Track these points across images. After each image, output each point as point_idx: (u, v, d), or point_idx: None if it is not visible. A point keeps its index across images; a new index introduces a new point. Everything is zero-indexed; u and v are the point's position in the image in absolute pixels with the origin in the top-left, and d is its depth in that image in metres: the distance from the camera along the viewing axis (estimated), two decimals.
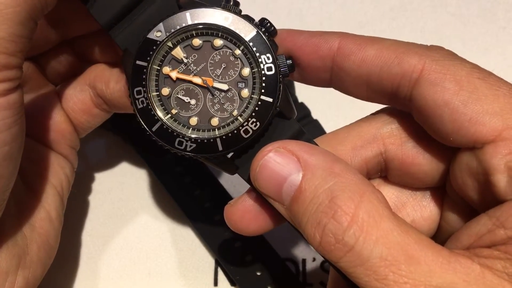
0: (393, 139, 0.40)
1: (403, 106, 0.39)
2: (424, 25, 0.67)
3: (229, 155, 0.39)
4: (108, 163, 0.58)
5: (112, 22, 0.39)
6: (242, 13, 0.39)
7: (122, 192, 0.57)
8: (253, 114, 0.37)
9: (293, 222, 0.34)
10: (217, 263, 0.54)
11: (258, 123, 0.37)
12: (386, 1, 0.69)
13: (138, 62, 0.37)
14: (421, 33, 0.66)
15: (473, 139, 0.34)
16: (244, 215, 0.39)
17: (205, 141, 0.37)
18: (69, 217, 0.54)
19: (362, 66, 0.38)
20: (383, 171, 0.42)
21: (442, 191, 0.41)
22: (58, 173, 0.46)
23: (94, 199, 0.57)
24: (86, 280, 0.53)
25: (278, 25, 0.64)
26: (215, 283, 0.53)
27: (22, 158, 0.38)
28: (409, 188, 0.42)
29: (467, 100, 0.34)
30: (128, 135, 0.58)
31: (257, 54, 0.38)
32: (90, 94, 0.45)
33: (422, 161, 0.39)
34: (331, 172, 0.33)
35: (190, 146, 0.38)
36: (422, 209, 0.42)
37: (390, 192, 0.43)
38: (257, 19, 0.39)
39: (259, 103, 0.37)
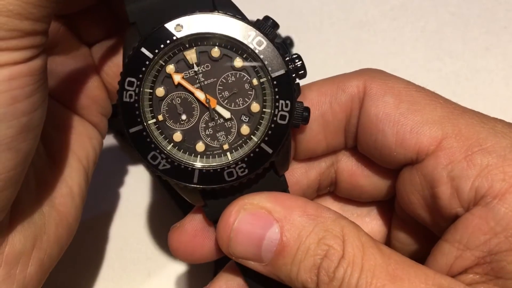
0: (346, 153, 0.40)
1: (353, 140, 0.38)
2: (425, 25, 0.67)
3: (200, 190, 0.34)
4: (108, 164, 0.58)
5: None
6: (277, 40, 0.34)
7: (122, 192, 0.57)
8: (245, 158, 0.33)
9: (276, 276, 0.33)
10: (216, 264, 0.53)
11: (246, 170, 0.33)
12: (387, 1, 0.69)
13: (143, 49, 0.32)
14: (421, 32, 0.66)
15: (415, 150, 0.34)
16: (193, 238, 0.37)
17: (182, 166, 0.33)
18: None
19: (311, 110, 0.36)
20: (332, 184, 0.42)
21: (390, 208, 0.41)
22: (86, 144, 0.42)
23: (93, 199, 0.57)
24: (86, 280, 0.53)
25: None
26: None
27: (48, 125, 0.34)
28: (354, 203, 0.42)
29: (407, 112, 0.34)
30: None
31: (277, 97, 0.33)
32: None
33: (370, 174, 0.39)
34: (308, 216, 0.32)
35: (164, 165, 0.33)
36: (364, 224, 0.42)
37: (333, 208, 0.43)
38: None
39: (257, 149, 0.33)
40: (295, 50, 0.64)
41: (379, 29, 0.66)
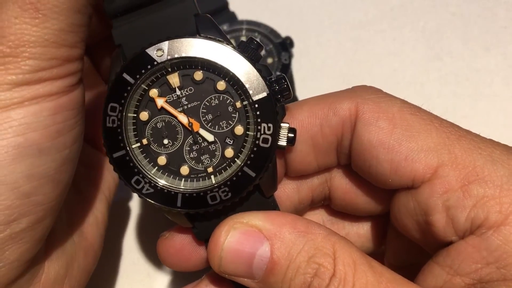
0: (339, 171, 0.40)
1: (347, 159, 0.38)
2: (425, 25, 0.67)
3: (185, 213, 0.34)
4: (107, 164, 0.58)
5: (117, 11, 0.33)
6: (261, 61, 0.34)
7: (122, 193, 0.57)
8: (228, 182, 0.33)
9: None
10: None
11: (229, 193, 0.33)
12: (387, 1, 0.69)
13: (125, 75, 0.32)
14: (421, 32, 0.66)
15: (411, 178, 0.34)
16: (180, 251, 0.37)
17: (165, 190, 0.33)
18: None
19: (301, 132, 0.36)
20: (326, 199, 0.41)
21: (385, 220, 0.40)
22: (107, 177, 0.44)
23: None
24: None
25: (278, 25, 0.64)
26: None
27: None
28: (349, 215, 0.42)
29: (401, 138, 0.34)
30: None
31: (259, 120, 0.32)
32: None
33: (364, 192, 0.39)
34: (298, 232, 0.32)
35: (148, 190, 0.33)
36: (359, 225, 0.42)
37: (327, 220, 0.43)
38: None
39: (239, 173, 0.33)
40: (295, 50, 0.64)
41: (379, 29, 0.66)
